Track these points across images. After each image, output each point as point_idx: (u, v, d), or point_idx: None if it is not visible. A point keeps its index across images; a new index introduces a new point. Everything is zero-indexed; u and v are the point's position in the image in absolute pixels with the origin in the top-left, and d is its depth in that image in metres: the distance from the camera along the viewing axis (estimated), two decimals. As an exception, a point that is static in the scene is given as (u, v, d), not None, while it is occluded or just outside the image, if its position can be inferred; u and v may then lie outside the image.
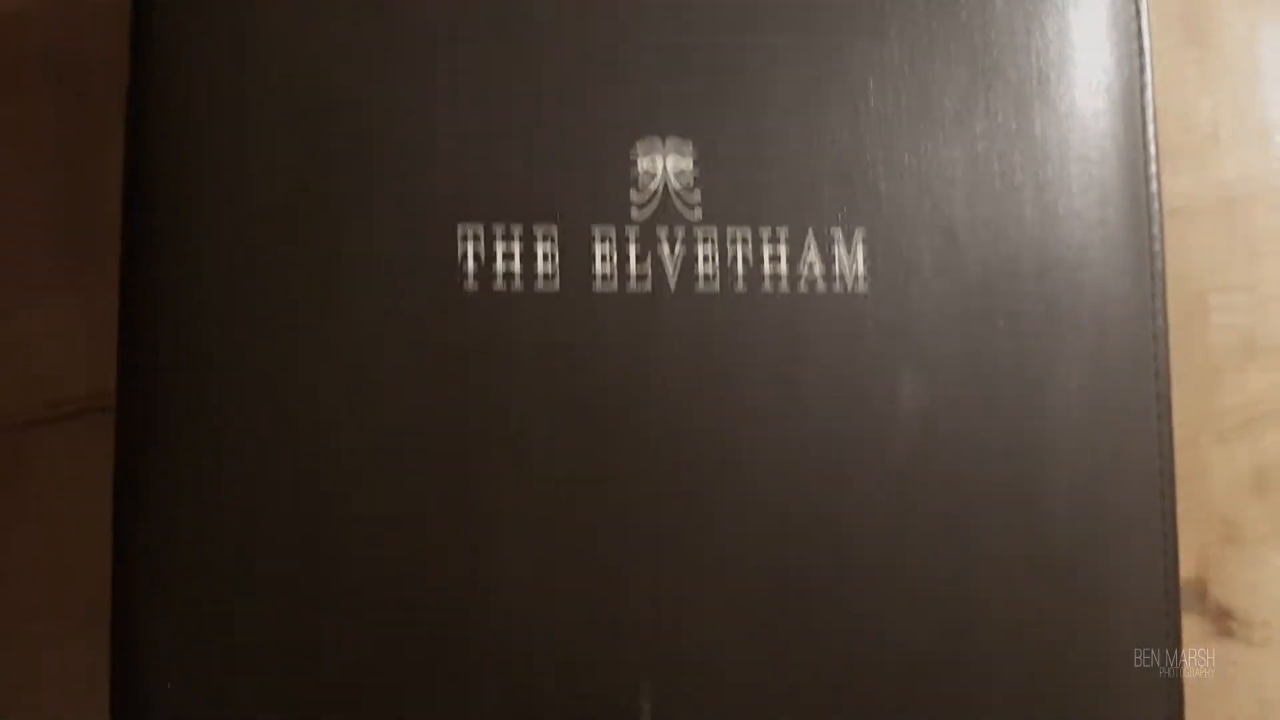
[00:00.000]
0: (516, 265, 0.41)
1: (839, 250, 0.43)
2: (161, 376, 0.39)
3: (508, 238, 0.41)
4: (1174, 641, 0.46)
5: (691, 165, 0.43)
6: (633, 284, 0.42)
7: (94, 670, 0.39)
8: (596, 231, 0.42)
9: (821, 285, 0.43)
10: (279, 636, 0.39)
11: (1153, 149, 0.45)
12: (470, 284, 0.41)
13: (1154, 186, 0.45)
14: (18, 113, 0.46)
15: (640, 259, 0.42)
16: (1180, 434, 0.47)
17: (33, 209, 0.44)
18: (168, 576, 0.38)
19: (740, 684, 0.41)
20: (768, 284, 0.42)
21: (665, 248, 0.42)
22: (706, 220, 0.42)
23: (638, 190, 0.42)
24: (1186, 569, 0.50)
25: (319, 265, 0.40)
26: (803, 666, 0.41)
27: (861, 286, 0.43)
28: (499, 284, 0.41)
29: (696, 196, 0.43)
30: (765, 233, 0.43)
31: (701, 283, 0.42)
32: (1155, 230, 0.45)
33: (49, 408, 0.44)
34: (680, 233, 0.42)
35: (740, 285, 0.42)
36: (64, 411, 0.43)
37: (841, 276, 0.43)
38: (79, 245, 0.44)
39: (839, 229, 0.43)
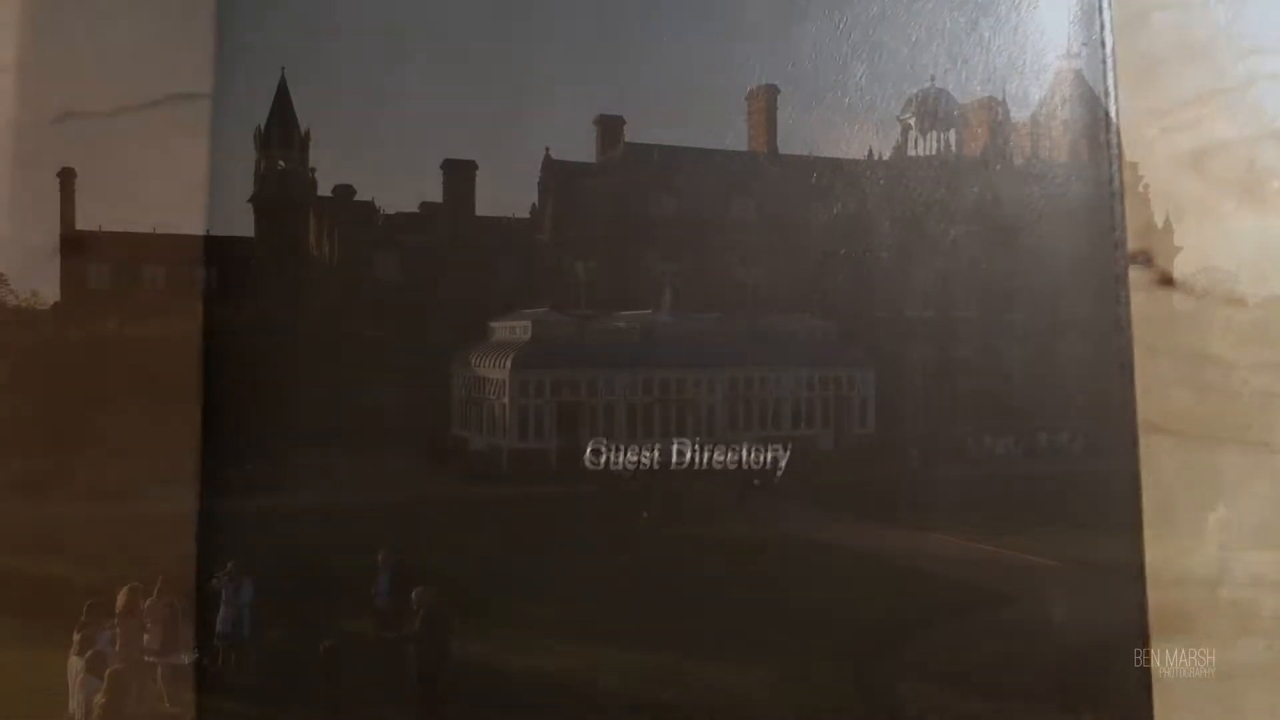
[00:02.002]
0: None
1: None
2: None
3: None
4: (1124, 303, 0.54)
5: None
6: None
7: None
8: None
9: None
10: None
11: None
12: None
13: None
14: None
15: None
16: (1126, 126, 0.54)
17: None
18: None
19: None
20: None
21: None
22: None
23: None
24: (1134, 243, 0.57)
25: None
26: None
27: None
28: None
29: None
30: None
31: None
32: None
33: (135, 96, 0.50)
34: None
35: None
36: (150, 99, 0.49)
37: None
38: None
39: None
